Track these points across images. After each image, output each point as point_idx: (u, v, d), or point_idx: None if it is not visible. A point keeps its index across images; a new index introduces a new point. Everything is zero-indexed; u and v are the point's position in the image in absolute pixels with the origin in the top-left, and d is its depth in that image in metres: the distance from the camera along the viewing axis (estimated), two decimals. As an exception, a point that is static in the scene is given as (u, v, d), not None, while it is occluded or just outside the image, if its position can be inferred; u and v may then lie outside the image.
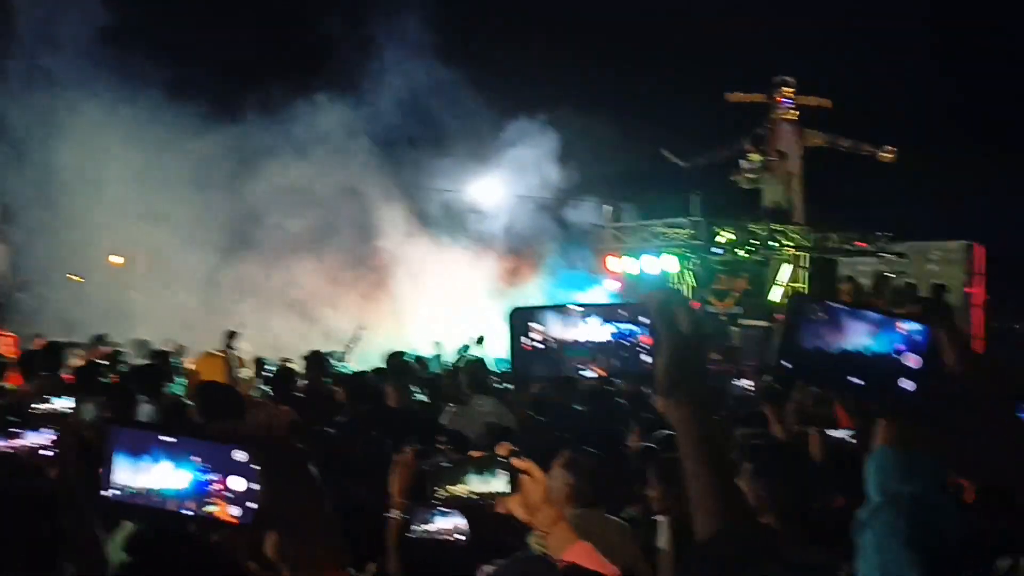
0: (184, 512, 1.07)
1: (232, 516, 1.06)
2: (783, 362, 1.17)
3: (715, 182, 17.26)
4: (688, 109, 21.18)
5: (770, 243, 14.36)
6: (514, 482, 1.92)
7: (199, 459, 1.07)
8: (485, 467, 1.91)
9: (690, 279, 15.46)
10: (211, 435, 1.10)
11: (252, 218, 15.66)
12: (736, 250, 14.99)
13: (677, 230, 15.47)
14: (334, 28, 16.04)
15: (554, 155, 16.89)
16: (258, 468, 1.06)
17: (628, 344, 1.45)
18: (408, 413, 6.11)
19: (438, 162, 17.10)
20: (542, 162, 16.84)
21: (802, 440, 5.15)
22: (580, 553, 1.95)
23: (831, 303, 1.17)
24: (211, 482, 1.07)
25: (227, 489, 1.06)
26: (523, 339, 1.46)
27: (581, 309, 1.45)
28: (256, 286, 15.50)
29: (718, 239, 14.81)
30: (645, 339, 1.44)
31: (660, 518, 4.72)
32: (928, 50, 21.48)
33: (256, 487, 1.06)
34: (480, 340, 10.38)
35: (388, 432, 5.11)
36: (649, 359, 1.43)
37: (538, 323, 1.46)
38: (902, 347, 1.11)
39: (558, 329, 1.46)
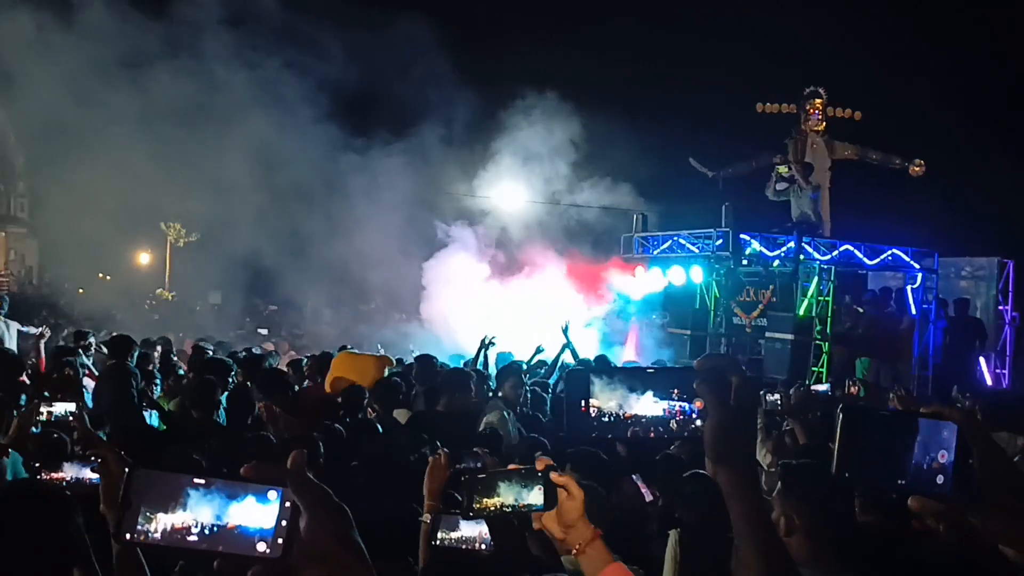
0: (214, 550, 1.03)
1: (261, 552, 1.02)
2: (843, 472, 1.34)
3: (743, 193, 17.12)
4: (717, 119, 21.11)
5: (800, 256, 14.17)
6: (550, 497, 1.86)
7: (232, 499, 1.04)
8: (521, 480, 1.86)
9: (716, 291, 15.33)
10: (247, 477, 1.06)
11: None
12: (765, 262, 14.79)
13: (705, 240, 15.28)
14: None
15: (577, 159, 16.80)
16: (289, 506, 1.04)
17: (681, 419, 1.58)
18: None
19: (445, 154, 16.96)
20: (562, 164, 16.72)
21: (827, 454, 5.03)
22: (614, 575, 1.91)
23: (880, 411, 1.36)
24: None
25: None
26: (581, 403, 1.58)
27: (633, 380, 1.58)
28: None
29: (747, 251, 14.62)
30: (699, 403, 1.55)
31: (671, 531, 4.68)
32: (961, 64, 21.26)
33: (285, 523, 1.04)
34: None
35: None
36: (700, 423, 1.55)
37: (592, 395, 1.58)
38: (939, 447, 1.30)
39: (613, 404, 1.58)
